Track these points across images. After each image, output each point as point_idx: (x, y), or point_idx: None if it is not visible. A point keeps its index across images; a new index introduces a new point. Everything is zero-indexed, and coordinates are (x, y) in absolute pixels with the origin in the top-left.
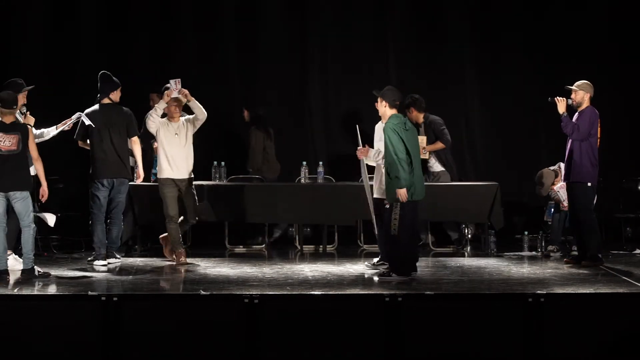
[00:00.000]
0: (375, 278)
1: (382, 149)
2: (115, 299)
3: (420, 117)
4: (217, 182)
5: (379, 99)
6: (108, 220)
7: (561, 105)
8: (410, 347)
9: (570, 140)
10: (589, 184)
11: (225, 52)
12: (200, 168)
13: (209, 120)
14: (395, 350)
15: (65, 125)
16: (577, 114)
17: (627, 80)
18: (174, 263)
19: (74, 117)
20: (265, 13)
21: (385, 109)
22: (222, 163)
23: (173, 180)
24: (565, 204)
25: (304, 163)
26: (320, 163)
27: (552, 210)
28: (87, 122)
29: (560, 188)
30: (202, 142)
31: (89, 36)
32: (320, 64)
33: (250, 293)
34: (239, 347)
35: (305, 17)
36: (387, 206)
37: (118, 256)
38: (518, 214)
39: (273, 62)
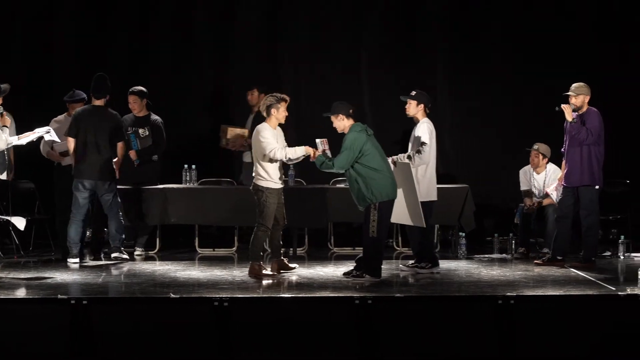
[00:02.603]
0: (349, 279)
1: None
2: (84, 302)
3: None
4: (187, 185)
5: (333, 117)
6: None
7: (568, 112)
8: (381, 350)
9: (573, 144)
10: (597, 187)
11: (199, 55)
12: (171, 171)
13: (180, 122)
14: (365, 354)
15: (29, 138)
16: (576, 116)
17: (607, 81)
18: (257, 276)
19: (43, 130)
20: (240, 14)
21: (343, 122)
22: (193, 166)
23: (277, 190)
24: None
25: None
26: (291, 166)
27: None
28: (55, 138)
29: (554, 190)
30: (173, 144)
31: (67, 37)
32: (294, 66)
33: (220, 296)
34: (210, 350)
35: (280, 18)
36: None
37: (124, 254)
38: (488, 216)
39: (247, 64)
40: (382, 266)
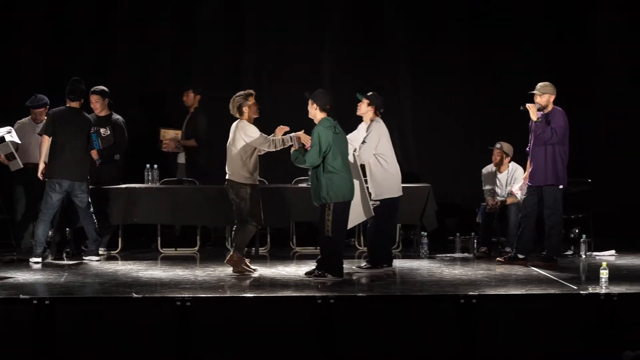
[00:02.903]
0: (311, 279)
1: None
2: (47, 302)
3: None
4: (149, 184)
5: (309, 102)
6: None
7: (533, 112)
8: (344, 350)
9: (538, 144)
10: (561, 187)
11: (158, 55)
12: (133, 171)
13: (142, 123)
14: (328, 352)
15: None
16: (541, 115)
17: (567, 82)
18: (241, 273)
19: (4, 130)
20: (202, 13)
21: (316, 112)
22: (155, 166)
23: (258, 186)
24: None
25: None
26: None
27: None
28: (16, 139)
29: (519, 189)
30: (135, 144)
31: (28, 45)
32: (255, 64)
33: (183, 296)
34: (172, 350)
35: (242, 17)
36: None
37: (101, 252)
38: (450, 215)
39: (208, 63)
40: (345, 265)
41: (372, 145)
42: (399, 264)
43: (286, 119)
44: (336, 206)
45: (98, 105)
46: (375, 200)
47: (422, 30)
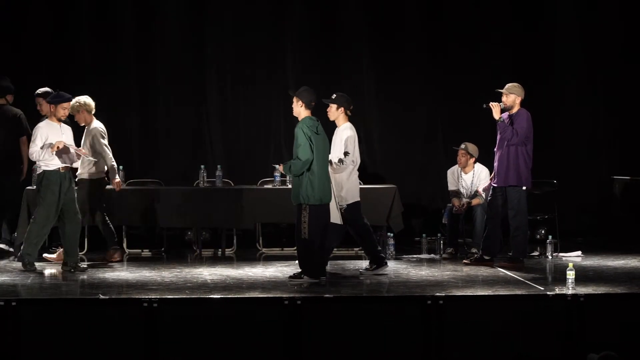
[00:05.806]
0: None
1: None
2: (14, 303)
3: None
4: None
5: (294, 99)
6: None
7: (496, 111)
8: (311, 350)
9: (502, 144)
10: (524, 188)
11: (122, 55)
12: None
13: (108, 123)
14: (295, 354)
15: None
16: (507, 116)
17: (532, 77)
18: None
19: None
20: (164, 14)
21: (300, 109)
22: (121, 167)
23: None
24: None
25: (202, 166)
26: (219, 167)
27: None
28: None
29: (484, 190)
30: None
31: None
32: (219, 65)
33: (149, 297)
34: (140, 351)
35: (204, 18)
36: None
37: None
38: (417, 216)
39: (171, 63)
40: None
41: (353, 152)
42: (365, 265)
43: (250, 120)
44: (312, 208)
45: (42, 108)
46: (342, 205)
47: (384, 29)
